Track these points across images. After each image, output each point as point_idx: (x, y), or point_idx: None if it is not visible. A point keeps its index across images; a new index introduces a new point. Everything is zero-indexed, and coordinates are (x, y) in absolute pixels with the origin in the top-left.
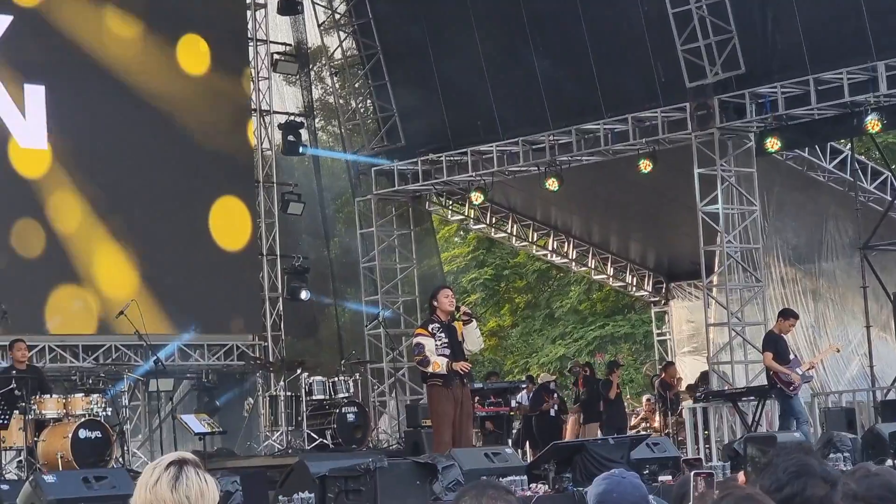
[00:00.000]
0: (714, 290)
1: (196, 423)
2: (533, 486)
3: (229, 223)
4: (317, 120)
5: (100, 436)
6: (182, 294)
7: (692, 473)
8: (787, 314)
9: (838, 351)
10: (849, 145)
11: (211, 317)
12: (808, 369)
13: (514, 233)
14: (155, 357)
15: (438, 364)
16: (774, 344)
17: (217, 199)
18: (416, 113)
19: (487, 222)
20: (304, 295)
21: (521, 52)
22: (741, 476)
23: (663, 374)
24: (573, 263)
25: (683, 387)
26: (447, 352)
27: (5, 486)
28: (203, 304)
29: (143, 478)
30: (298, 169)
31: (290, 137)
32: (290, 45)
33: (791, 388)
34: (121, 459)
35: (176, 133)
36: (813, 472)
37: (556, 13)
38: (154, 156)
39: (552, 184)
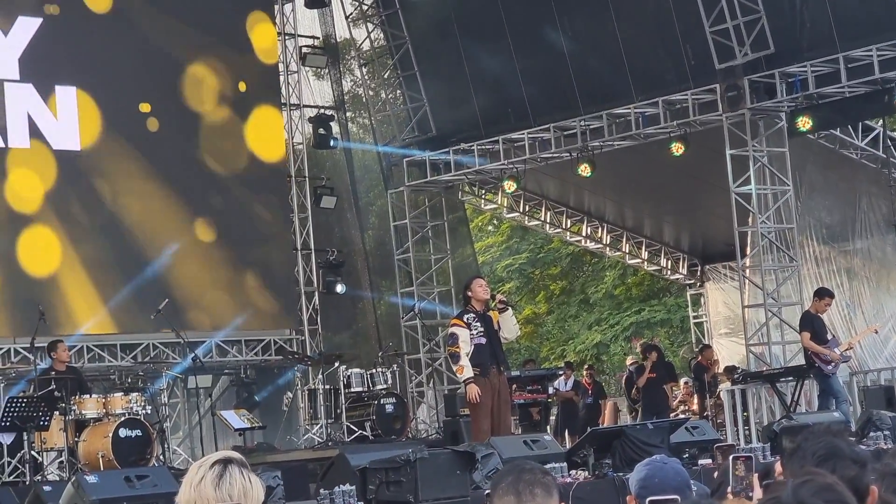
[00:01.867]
0: (749, 271)
1: (235, 418)
2: (573, 472)
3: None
4: (347, 112)
5: (140, 434)
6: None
7: (731, 457)
8: (822, 293)
9: (876, 332)
10: (881, 122)
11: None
12: (846, 350)
13: (548, 220)
14: (193, 354)
15: (463, 370)
16: (811, 324)
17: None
18: (447, 102)
19: (521, 210)
20: (339, 288)
21: (549, 38)
22: (778, 465)
23: (700, 357)
24: (607, 248)
25: (721, 368)
26: (483, 341)
27: (48, 488)
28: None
29: (189, 475)
30: (329, 162)
31: (321, 131)
32: (318, 38)
33: (829, 367)
34: (162, 457)
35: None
36: (842, 454)
37: None
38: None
39: (585, 169)
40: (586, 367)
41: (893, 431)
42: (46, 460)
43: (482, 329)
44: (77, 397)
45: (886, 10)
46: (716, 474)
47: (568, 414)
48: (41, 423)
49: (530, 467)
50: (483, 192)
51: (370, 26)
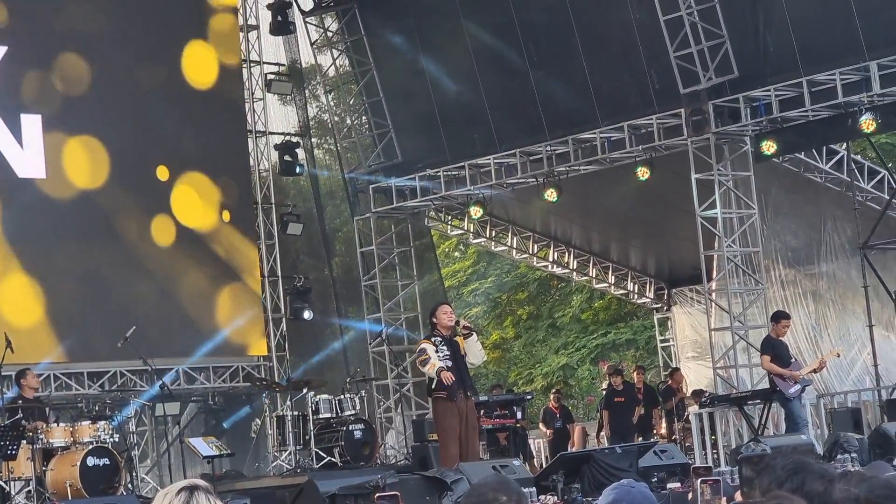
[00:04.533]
0: (715, 294)
1: (204, 446)
2: (542, 497)
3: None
4: (313, 139)
5: (108, 462)
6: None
7: (699, 481)
8: (777, 317)
9: (838, 356)
10: (845, 145)
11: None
12: (809, 372)
13: (515, 245)
14: (161, 382)
15: (434, 365)
16: (773, 348)
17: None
18: (412, 128)
19: (487, 236)
20: (307, 315)
21: (515, 63)
22: (738, 496)
23: (670, 381)
24: (574, 273)
25: (689, 392)
26: (449, 363)
27: None
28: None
29: (156, 503)
30: (294, 190)
31: (287, 158)
32: (283, 64)
33: (792, 391)
34: (130, 486)
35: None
36: (810, 469)
37: (549, 23)
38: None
39: (551, 194)
40: (553, 391)
41: (860, 454)
42: (14, 490)
43: (448, 353)
44: (44, 426)
45: (848, 35)
46: (690, 496)
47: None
48: (8, 452)
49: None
50: (449, 217)
51: (335, 52)
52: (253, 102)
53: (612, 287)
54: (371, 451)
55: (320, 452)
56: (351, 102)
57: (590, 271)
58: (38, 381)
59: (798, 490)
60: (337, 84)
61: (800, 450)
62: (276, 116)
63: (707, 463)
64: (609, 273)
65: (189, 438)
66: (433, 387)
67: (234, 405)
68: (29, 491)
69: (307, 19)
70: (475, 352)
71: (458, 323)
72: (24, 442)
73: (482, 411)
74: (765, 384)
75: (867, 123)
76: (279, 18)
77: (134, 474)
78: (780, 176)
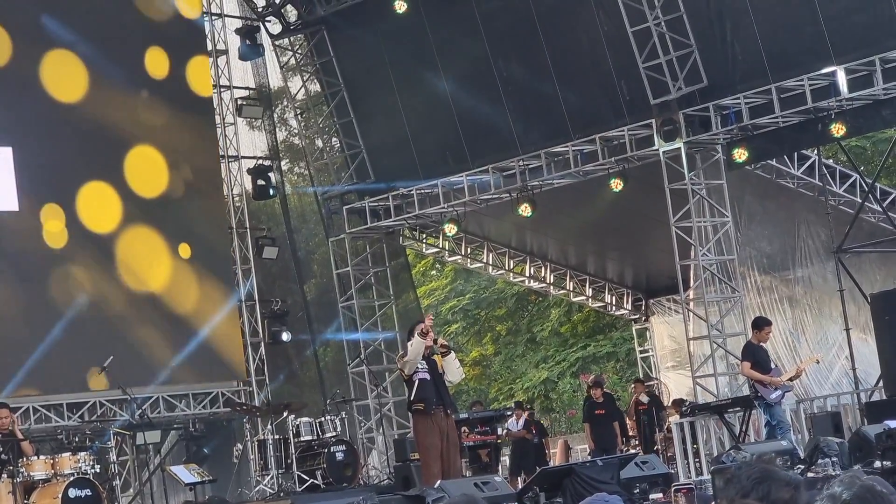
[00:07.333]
0: (692, 303)
1: (186, 473)
2: None
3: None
4: (285, 162)
5: (90, 493)
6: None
7: (672, 489)
8: (760, 323)
9: (817, 362)
10: (816, 150)
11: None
12: (790, 379)
13: (490, 262)
14: (140, 411)
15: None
16: (753, 354)
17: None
18: (384, 147)
19: (463, 253)
20: (285, 337)
21: (485, 80)
22: None
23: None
24: (551, 287)
25: (669, 401)
26: (427, 377)
27: None
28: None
29: None
30: (265, 213)
31: (260, 182)
32: (252, 88)
33: (773, 396)
34: None
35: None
36: (776, 477)
37: (518, 39)
38: None
39: (525, 209)
40: (525, 409)
41: (841, 457)
42: None
43: (426, 367)
44: (25, 459)
45: (816, 41)
46: None
47: (522, 454)
48: None
49: None
50: (424, 236)
51: (305, 75)
52: (224, 127)
53: (590, 300)
54: (353, 473)
55: (303, 475)
56: (322, 124)
57: (567, 285)
58: (10, 419)
59: (765, 499)
60: (307, 106)
61: (764, 459)
62: (245, 141)
63: (689, 472)
64: (586, 286)
65: (171, 466)
66: (411, 398)
67: (215, 431)
68: None
69: (276, 43)
70: (453, 369)
71: (435, 341)
72: (4, 476)
73: (464, 428)
74: (745, 391)
75: (837, 128)
76: (248, 43)
77: None
78: (752, 183)
